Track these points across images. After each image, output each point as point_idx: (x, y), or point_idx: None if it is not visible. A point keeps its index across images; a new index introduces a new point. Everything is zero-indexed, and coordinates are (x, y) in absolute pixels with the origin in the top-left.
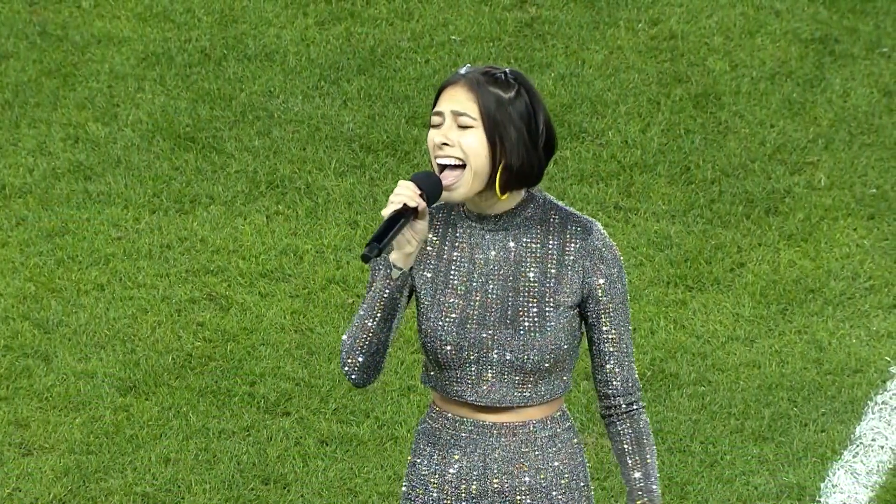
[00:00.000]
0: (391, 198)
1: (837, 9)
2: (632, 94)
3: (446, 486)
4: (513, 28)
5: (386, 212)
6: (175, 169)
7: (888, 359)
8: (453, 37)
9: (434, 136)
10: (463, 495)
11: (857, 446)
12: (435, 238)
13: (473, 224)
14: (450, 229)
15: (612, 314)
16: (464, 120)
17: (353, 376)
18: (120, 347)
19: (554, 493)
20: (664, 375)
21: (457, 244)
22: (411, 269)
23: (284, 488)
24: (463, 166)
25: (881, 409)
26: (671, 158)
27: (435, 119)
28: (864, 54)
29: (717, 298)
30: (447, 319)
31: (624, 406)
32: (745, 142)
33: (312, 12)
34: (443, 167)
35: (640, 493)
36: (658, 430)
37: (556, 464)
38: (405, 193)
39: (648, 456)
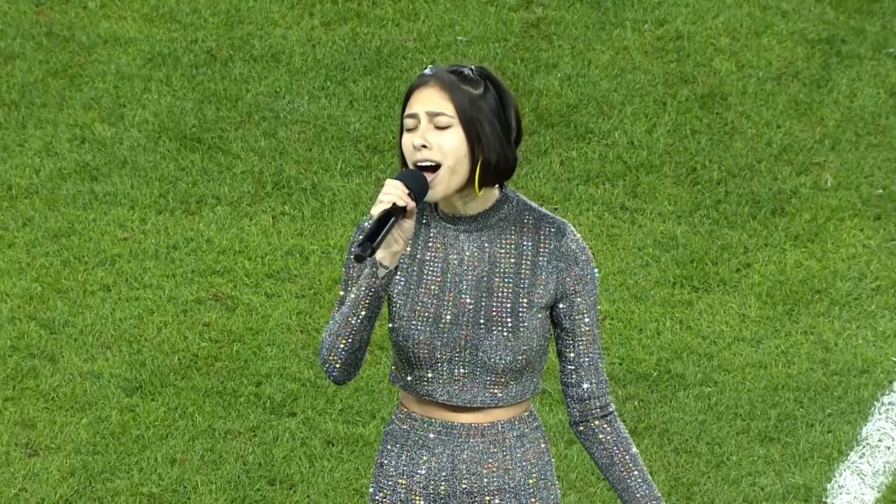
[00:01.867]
0: (380, 196)
1: (844, 9)
2: (638, 95)
3: (414, 487)
4: (519, 28)
5: (375, 210)
6: (181, 169)
7: (895, 359)
8: (459, 37)
9: (412, 139)
10: (431, 496)
11: (864, 447)
12: (410, 239)
13: (447, 225)
14: (422, 230)
15: (584, 315)
16: (441, 120)
17: (333, 374)
18: (126, 348)
19: (521, 494)
20: (670, 376)
21: (430, 244)
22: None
23: (290, 489)
24: (438, 167)
25: (888, 409)
26: (677, 159)
27: (409, 122)
28: (870, 55)
29: (724, 299)
30: (420, 319)
31: (599, 411)
32: (752, 142)
33: (318, 13)
34: (421, 169)
35: (641, 491)
36: (664, 431)
37: (524, 464)
38: (394, 192)
39: (640, 461)
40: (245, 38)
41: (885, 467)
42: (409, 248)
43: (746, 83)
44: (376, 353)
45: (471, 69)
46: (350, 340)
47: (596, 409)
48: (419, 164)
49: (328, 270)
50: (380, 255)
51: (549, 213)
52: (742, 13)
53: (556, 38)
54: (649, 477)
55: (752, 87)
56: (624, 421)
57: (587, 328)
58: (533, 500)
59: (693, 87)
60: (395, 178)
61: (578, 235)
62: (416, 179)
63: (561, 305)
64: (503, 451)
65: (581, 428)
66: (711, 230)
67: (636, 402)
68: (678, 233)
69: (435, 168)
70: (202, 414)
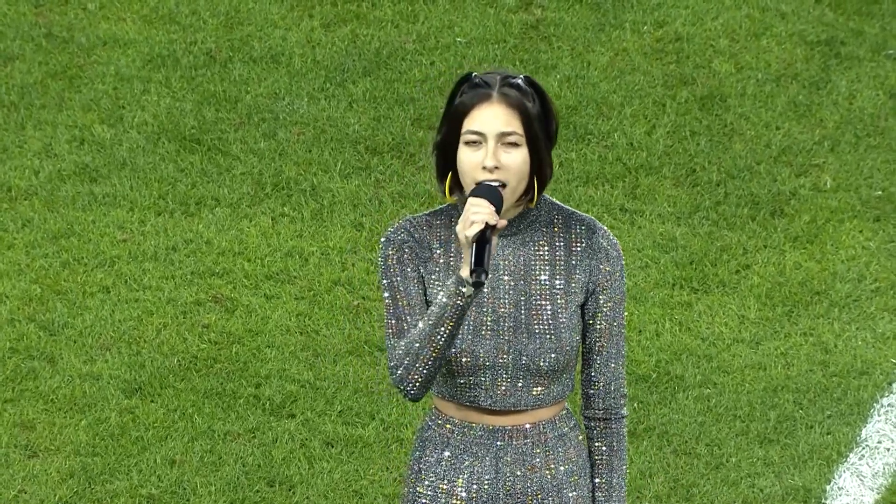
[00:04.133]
0: (470, 217)
1: (843, 11)
2: (637, 96)
3: (456, 491)
4: (518, 30)
5: (470, 233)
6: (180, 171)
7: (894, 361)
8: (458, 39)
9: (483, 160)
10: (473, 499)
11: (863, 449)
12: (440, 249)
13: None
14: (452, 237)
15: (609, 312)
16: (512, 138)
17: (413, 392)
18: (125, 349)
19: (565, 491)
20: (669, 377)
21: (462, 253)
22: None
23: (290, 490)
24: (505, 186)
25: (887, 411)
26: (677, 160)
27: (472, 137)
28: (869, 56)
29: (723, 300)
30: (461, 329)
31: (601, 413)
32: (751, 144)
33: (318, 14)
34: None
35: None
36: (664, 433)
37: (565, 462)
38: (483, 211)
39: (616, 477)
40: (244, 39)
41: (884, 469)
42: (443, 258)
43: (746, 85)
44: (375, 354)
45: (521, 79)
46: (434, 357)
47: (599, 411)
48: (486, 182)
49: (327, 272)
50: (465, 272)
51: (575, 210)
52: (741, 15)
53: (555, 40)
54: (615, 498)
55: (751, 88)
56: None
57: (610, 325)
58: (573, 493)
59: (692, 89)
60: (474, 196)
61: (608, 231)
62: (494, 195)
63: (590, 301)
64: (545, 451)
65: (584, 424)
66: (711, 231)
67: (636, 404)
68: (677, 234)
69: (502, 187)
70: (201, 415)
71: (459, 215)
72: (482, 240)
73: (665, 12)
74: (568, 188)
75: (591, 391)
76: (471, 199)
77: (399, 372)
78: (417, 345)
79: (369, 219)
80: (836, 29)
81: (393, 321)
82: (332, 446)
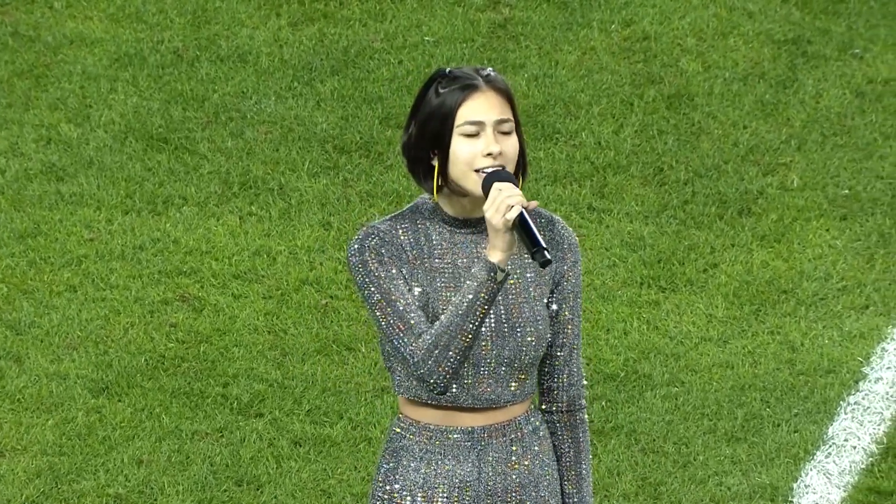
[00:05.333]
0: (506, 201)
1: (810, 10)
2: (605, 95)
3: (437, 498)
4: (486, 29)
5: (511, 215)
6: (148, 170)
7: (860, 359)
8: (426, 38)
9: (485, 147)
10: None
11: (830, 447)
12: (413, 251)
13: (454, 229)
14: (423, 238)
15: (573, 302)
16: (506, 126)
17: (442, 384)
18: (92, 349)
19: (541, 485)
20: (637, 376)
21: (436, 252)
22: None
23: (258, 490)
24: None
25: (853, 409)
26: (644, 159)
27: (470, 129)
28: (836, 55)
29: (691, 299)
30: None
31: (565, 406)
32: (719, 143)
33: (285, 13)
34: (480, 172)
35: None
36: (631, 431)
37: (540, 456)
38: (516, 193)
39: (583, 468)
40: (212, 38)
41: (851, 466)
42: (418, 259)
43: (713, 84)
44: (344, 353)
45: (492, 70)
46: (466, 346)
47: (563, 404)
48: (486, 169)
49: (295, 271)
50: (497, 257)
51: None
52: (708, 14)
53: (523, 39)
54: (584, 491)
55: (718, 87)
56: (591, 421)
57: (573, 314)
58: (547, 485)
59: (660, 88)
60: (496, 181)
61: (563, 222)
62: (512, 179)
63: (556, 292)
64: (522, 447)
65: (545, 418)
66: (678, 230)
67: (603, 403)
68: (645, 233)
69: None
70: (169, 415)
71: (436, 215)
72: (524, 221)
73: (632, 11)
74: (536, 187)
75: (554, 384)
76: (497, 185)
77: (428, 365)
78: (447, 337)
79: (337, 218)
80: (803, 28)
81: (398, 322)
82: (301, 445)
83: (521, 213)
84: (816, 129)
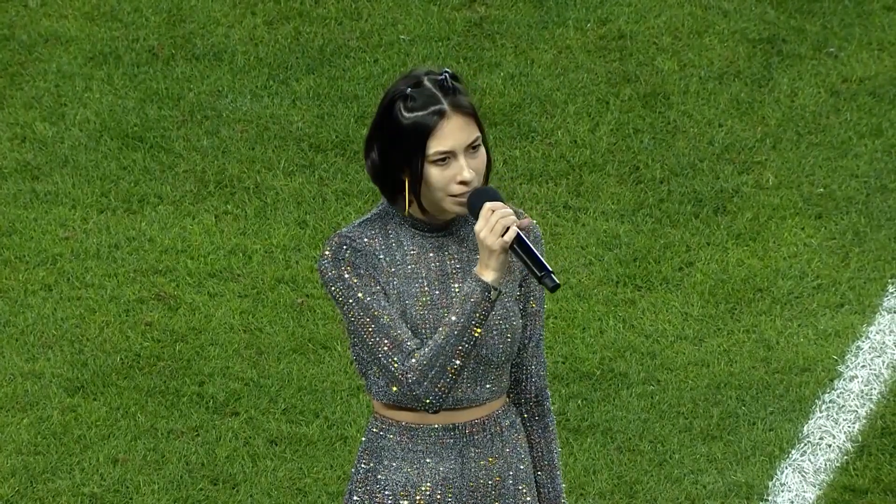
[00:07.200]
0: (501, 223)
1: (785, 9)
2: (581, 94)
3: (420, 497)
4: (462, 28)
5: (509, 237)
6: (123, 168)
7: (835, 357)
8: (402, 36)
9: (459, 174)
10: (439, 501)
11: (805, 445)
12: (386, 258)
13: (424, 233)
14: (394, 244)
15: (539, 295)
16: (475, 144)
17: (438, 403)
18: (67, 348)
19: (520, 479)
20: (613, 375)
21: (408, 258)
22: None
23: (233, 488)
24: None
25: (829, 407)
26: (620, 158)
27: (441, 158)
28: (811, 54)
29: (666, 298)
30: (421, 333)
31: (533, 397)
32: (694, 141)
33: (261, 11)
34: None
35: (545, 491)
36: (607, 430)
37: (518, 450)
38: (509, 214)
39: (554, 456)
40: (187, 36)
41: (826, 465)
42: (392, 267)
43: (688, 82)
44: (320, 352)
45: (448, 76)
46: (462, 365)
47: (531, 396)
48: (460, 197)
49: (271, 270)
50: (491, 277)
51: None
52: (684, 13)
53: (498, 38)
54: (558, 478)
55: (694, 86)
56: (567, 420)
57: (539, 307)
58: (527, 483)
59: (636, 87)
60: (486, 201)
61: (527, 215)
62: (498, 196)
63: (523, 286)
64: (501, 441)
65: (515, 407)
66: (654, 229)
67: (579, 401)
68: (621, 231)
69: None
70: (144, 414)
71: (405, 220)
72: (523, 243)
73: (608, 10)
74: (512, 186)
75: (523, 375)
76: (489, 205)
77: (424, 386)
78: (443, 358)
79: (313, 216)
80: (778, 27)
81: (385, 339)
82: (276, 444)
83: (519, 235)
84: (791, 128)
